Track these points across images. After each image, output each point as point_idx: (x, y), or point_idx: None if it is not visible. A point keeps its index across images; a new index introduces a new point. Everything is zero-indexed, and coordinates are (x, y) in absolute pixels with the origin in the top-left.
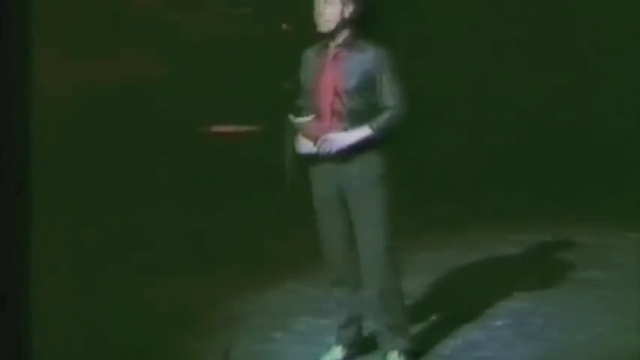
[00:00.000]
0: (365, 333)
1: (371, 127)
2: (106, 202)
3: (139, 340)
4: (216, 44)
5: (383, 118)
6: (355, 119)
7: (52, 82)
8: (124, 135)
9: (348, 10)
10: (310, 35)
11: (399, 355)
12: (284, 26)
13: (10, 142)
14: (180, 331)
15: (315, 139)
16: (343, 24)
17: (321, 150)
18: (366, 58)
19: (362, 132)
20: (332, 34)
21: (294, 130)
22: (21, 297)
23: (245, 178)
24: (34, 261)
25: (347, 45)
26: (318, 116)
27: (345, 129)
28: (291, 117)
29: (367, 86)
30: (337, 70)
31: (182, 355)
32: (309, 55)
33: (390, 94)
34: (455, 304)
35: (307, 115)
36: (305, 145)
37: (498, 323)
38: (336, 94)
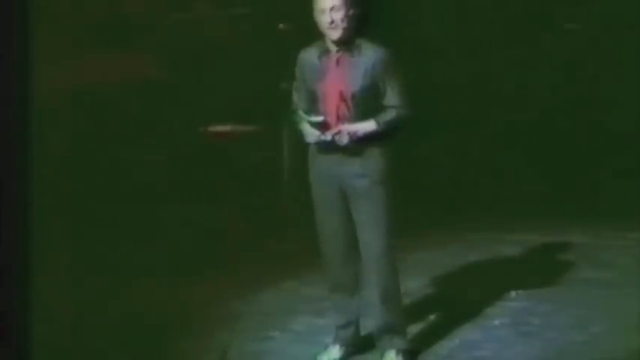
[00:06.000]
0: (363, 332)
1: (377, 121)
2: (104, 202)
3: (137, 340)
4: (214, 44)
5: (388, 115)
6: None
7: (52, 82)
8: (123, 135)
9: (351, 13)
10: (309, 35)
11: (397, 354)
12: (281, 26)
13: (11, 142)
14: (178, 330)
15: (322, 128)
16: (350, 28)
17: (337, 141)
18: (369, 60)
19: (369, 125)
20: (341, 40)
21: (296, 126)
22: (21, 297)
23: (244, 177)
24: (34, 261)
25: (349, 48)
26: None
27: None
28: (302, 114)
29: (372, 88)
30: (342, 75)
31: (180, 355)
32: (309, 57)
33: (393, 94)
34: (453, 303)
35: (314, 115)
36: (312, 135)
37: (496, 323)
38: (343, 99)
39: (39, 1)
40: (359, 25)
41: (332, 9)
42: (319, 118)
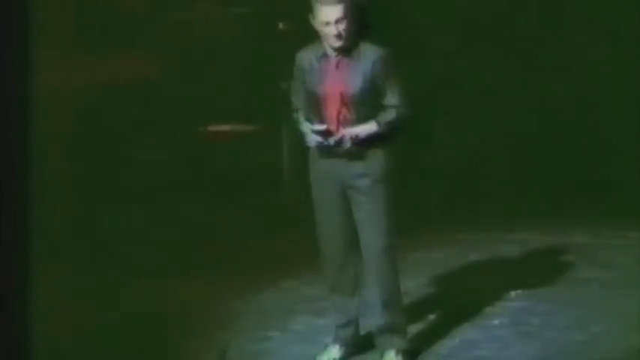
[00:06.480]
0: (362, 332)
1: (378, 122)
2: (104, 202)
3: (136, 340)
4: (214, 44)
5: (388, 115)
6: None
7: (52, 82)
8: (123, 135)
9: (353, 18)
10: (309, 35)
11: (397, 354)
12: (281, 26)
13: (11, 142)
14: (177, 330)
15: (325, 135)
16: (352, 35)
17: (342, 145)
18: (368, 61)
19: (370, 127)
20: (343, 48)
21: (296, 126)
22: (21, 297)
23: (244, 177)
24: (34, 261)
25: (348, 51)
26: (324, 123)
27: None
28: (305, 122)
29: (372, 89)
30: (342, 77)
31: (180, 355)
32: (307, 59)
33: (393, 94)
34: (452, 303)
35: (312, 121)
36: (314, 140)
37: (496, 322)
38: (344, 103)
39: (39, 1)
40: (359, 29)
41: (337, 21)
42: (322, 127)
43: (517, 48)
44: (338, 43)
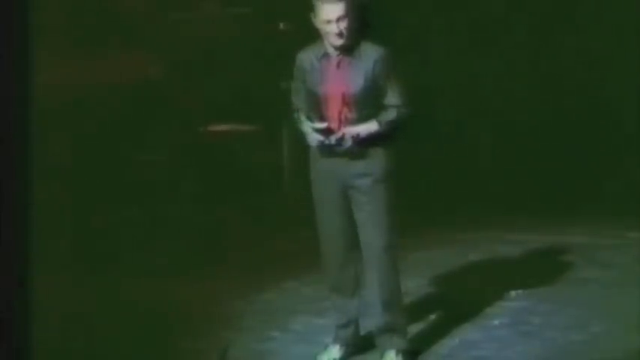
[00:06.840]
0: (363, 332)
1: (378, 122)
2: (104, 202)
3: (137, 340)
4: (214, 44)
5: (389, 115)
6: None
7: (52, 82)
8: (123, 135)
9: (354, 17)
10: (309, 35)
11: (397, 354)
12: (281, 26)
13: (11, 142)
14: (178, 330)
15: (326, 133)
16: (353, 34)
17: (343, 144)
18: (369, 60)
19: (371, 126)
20: (344, 47)
21: (296, 126)
22: (21, 297)
23: (244, 177)
24: (33, 261)
25: (349, 50)
26: (326, 122)
27: None
28: (306, 121)
29: (373, 89)
30: (343, 77)
31: (181, 354)
32: (308, 59)
33: (394, 94)
34: (453, 303)
35: (313, 120)
36: (315, 139)
37: (496, 322)
38: (346, 103)
39: (39, 1)
40: (360, 28)
41: (338, 19)
42: (323, 125)
43: (516, 50)
44: (339, 42)
